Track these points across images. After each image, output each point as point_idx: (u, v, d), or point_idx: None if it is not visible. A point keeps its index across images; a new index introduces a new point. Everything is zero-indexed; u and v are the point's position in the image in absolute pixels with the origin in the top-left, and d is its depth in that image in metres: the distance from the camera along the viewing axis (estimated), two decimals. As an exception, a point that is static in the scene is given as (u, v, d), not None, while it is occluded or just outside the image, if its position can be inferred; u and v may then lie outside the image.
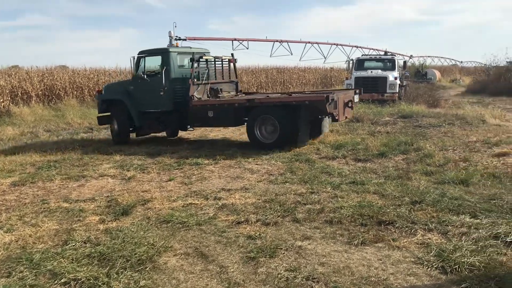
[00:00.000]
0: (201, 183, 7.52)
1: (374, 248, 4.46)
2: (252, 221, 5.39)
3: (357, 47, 38.44)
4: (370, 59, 22.29)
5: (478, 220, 5.01)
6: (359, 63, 21.44)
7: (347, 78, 21.64)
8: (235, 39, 27.78)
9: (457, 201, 5.71)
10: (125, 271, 4.14)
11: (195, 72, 11.39)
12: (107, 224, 5.57)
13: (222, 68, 12.64)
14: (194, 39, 26.30)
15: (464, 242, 4.39)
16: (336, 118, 10.43)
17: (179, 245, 4.81)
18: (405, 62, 24.24)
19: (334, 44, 36.38)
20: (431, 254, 4.21)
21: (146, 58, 11.70)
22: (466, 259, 3.99)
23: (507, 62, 32.28)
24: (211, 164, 8.89)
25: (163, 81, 11.29)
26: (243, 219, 5.46)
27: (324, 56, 34.72)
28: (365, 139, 10.59)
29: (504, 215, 5.14)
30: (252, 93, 13.52)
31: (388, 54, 25.60)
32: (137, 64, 11.68)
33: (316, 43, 33.84)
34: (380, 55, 25.60)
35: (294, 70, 37.07)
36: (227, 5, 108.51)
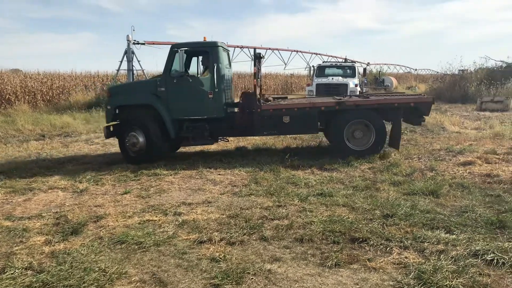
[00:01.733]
0: (160, 196, 7.00)
1: (349, 270, 4.12)
2: (215, 240, 4.94)
3: (316, 54, 38.79)
4: (331, 66, 22.29)
5: (454, 236, 4.77)
6: (320, 70, 21.38)
7: (308, 85, 21.53)
8: (195, 44, 27.21)
9: (430, 215, 5.49)
10: (71, 305, 3.62)
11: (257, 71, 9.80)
12: (53, 246, 4.98)
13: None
14: (153, 43, 25.67)
15: (443, 261, 4.12)
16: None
17: (134, 270, 4.30)
18: (364, 69, 24.44)
19: (294, 50, 36.52)
20: (410, 276, 3.90)
21: (184, 53, 9.37)
22: (448, 281, 3.71)
23: (459, 70, 33.27)
24: (171, 175, 8.37)
25: (214, 82, 9.55)
26: (205, 238, 5.00)
27: (285, 63, 34.77)
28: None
29: (480, 230, 4.93)
30: (280, 97, 11.78)
31: (348, 61, 25.77)
32: (170, 59, 9.55)
33: (277, 49, 33.84)
34: (340, 62, 25.74)
35: (254, 76, 36.82)
36: (184, 10, 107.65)
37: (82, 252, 4.72)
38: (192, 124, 9.62)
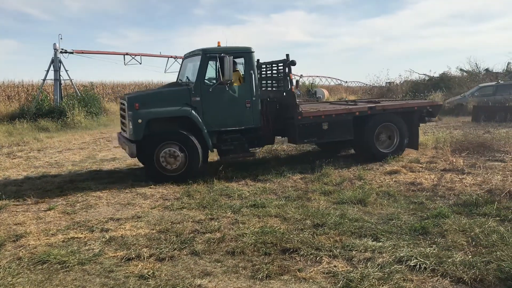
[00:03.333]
0: (87, 212, 6.68)
1: (280, 282, 4.11)
2: (144, 256, 4.77)
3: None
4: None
5: (380, 243, 4.93)
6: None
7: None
8: (127, 54, 26.67)
9: (358, 223, 5.65)
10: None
11: (293, 78, 9.49)
12: (-36, 269, 4.57)
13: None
14: (82, 52, 24.81)
15: (370, 269, 4.23)
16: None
17: (55, 292, 4.05)
18: (297, 81, 24.92)
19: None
20: (338, 285, 3.97)
21: (215, 60, 8.73)
22: (374, 289, 3.81)
23: (386, 82, 35.03)
24: (99, 189, 8.03)
25: (252, 90, 9.02)
26: (134, 255, 4.81)
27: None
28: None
29: (404, 237, 5.14)
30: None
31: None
32: (204, 66, 8.77)
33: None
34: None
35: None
36: (117, 19, 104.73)
37: (-2, 275, 4.38)
38: (228, 135, 8.99)
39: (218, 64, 8.63)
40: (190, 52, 9.78)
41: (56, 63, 23.08)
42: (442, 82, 29.54)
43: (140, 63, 27.09)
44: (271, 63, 10.32)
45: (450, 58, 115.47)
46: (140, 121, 8.25)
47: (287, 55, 9.39)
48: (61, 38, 23.60)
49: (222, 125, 8.91)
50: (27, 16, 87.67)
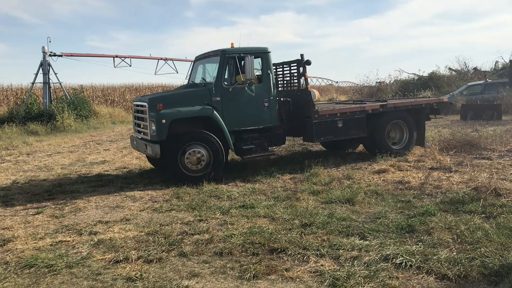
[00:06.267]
0: (75, 215, 6.67)
1: (267, 282, 4.14)
2: (132, 258, 4.77)
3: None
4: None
5: (367, 242, 4.97)
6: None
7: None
8: (116, 56, 26.59)
9: (346, 222, 5.69)
10: None
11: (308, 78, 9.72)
12: (-50, 275, 4.55)
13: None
14: (71, 55, 24.71)
15: (357, 267, 4.27)
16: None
17: (43, 296, 4.04)
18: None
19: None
20: (325, 284, 4.00)
21: (234, 60, 8.92)
22: (360, 287, 3.85)
23: (376, 82, 35.20)
24: (88, 192, 8.02)
25: (270, 89, 9.22)
26: (122, 257, 4.81)
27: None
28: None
29: (391, 235, 5.18)
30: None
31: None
32: (223, 66, 8.91)
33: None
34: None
35: (180, 88, 36.58)
36: (107, 22, 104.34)
37: (-16, 280, 4.36)
38: (247, 135, 9.10)
39: (237, 64, 8.85)
40: (203, 54, 9.85)
41: (45, 66, 22.96)
42: (431, 81, 29.75)
43: (130, 65, 27.04)
44: (283, 63, 10.49)
45: (439, 57, 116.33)
46: (164, 121, 8.30)
47: (302, 55, 9.64)
48: (50, 41, 23.57)
49: (241, 124, 9.04)
50: (16, 20, 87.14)
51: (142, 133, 9.00)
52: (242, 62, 8.77)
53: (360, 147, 11.79)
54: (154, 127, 8.36)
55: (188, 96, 8.91)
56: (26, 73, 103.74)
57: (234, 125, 8.91)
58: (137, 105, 9.25)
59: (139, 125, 9.21)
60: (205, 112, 8.61)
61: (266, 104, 9.17)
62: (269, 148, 9.54)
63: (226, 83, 8.91)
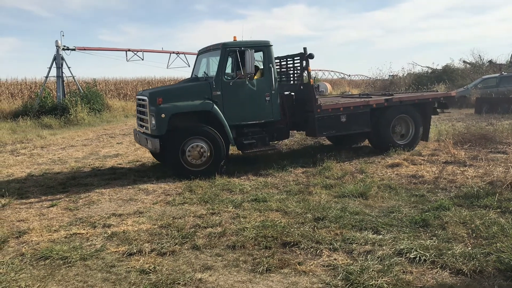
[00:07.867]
0: (89, 208, 6.72)
1: (280, 275, 4.14)
2: (146, 251, 4.80)
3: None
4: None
5: (380, 236, 4.95)
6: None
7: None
8: (129, 50, 26.70)
9: (359, 216, 5.66)
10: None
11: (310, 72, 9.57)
12: (-32, 266, 4.62)
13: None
14: (84, 49, 24.85)
15: (370, 261, 4.25)
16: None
17: (58, 287, 4.08)
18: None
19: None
20: (338, 278, 3.98)
21: (235, 54, 8.79)
22: (374, 281, 3.82)
23: (389, 75, 34.90)
24: (101, 185, 8.08)
25: (272, 83, 9.12)
26: (135, 250, 4.84)
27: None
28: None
29: (405, 229, 5.14)
30: None
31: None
32: (224, 60, 8.83)
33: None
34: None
35: (192, 82, 36.67)
36: (118, 15, 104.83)
37: (1, 271, 4.42)
38: (248, 129, 9.05)
39: (238, 58, 8.67)
40: (205, 47, 9.78)
41: (58, 60, 23.12)
42: (445, 75, 29.44)
43: (142, 59, 27.14)
44: (287, 57, 10.34)
45: (452, 50, 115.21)
46: (163, 115, 8.27)
47: (305, 49, 9.49)
48: (63, 35, 23.72)
49: (242, 118, 8.97)
50: (27, 13, 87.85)
51: (144, 127, 9.01)
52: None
53: (366, 141, 11.69)
54: (154, 121, 8.36)
55: (189, 90, 8.86)
56: (40, 67, 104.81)
57: (235, 120, 8.85)
58: (139, 99, 9.25)
59: (141, 119, 9.21)
60: (205, 107, 8.56)
61: (267, 98, 9.07)
62: (272, 142, 9.50)
63: (227, 77, 8.86)
